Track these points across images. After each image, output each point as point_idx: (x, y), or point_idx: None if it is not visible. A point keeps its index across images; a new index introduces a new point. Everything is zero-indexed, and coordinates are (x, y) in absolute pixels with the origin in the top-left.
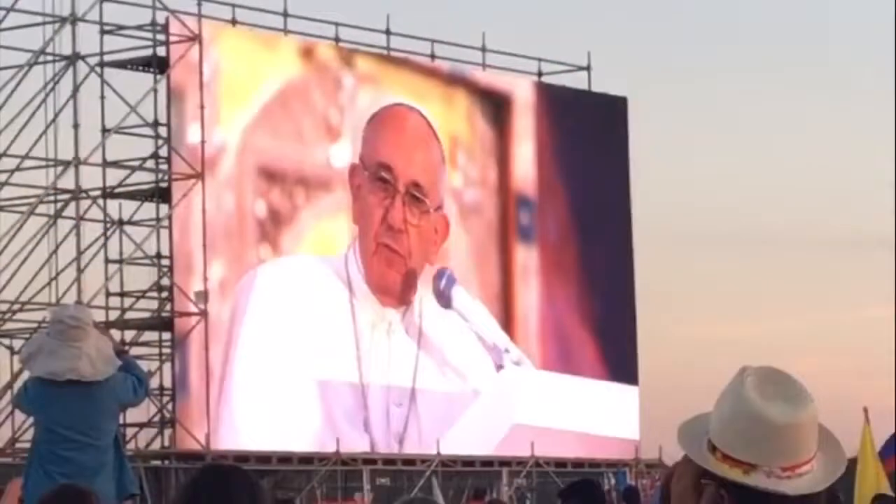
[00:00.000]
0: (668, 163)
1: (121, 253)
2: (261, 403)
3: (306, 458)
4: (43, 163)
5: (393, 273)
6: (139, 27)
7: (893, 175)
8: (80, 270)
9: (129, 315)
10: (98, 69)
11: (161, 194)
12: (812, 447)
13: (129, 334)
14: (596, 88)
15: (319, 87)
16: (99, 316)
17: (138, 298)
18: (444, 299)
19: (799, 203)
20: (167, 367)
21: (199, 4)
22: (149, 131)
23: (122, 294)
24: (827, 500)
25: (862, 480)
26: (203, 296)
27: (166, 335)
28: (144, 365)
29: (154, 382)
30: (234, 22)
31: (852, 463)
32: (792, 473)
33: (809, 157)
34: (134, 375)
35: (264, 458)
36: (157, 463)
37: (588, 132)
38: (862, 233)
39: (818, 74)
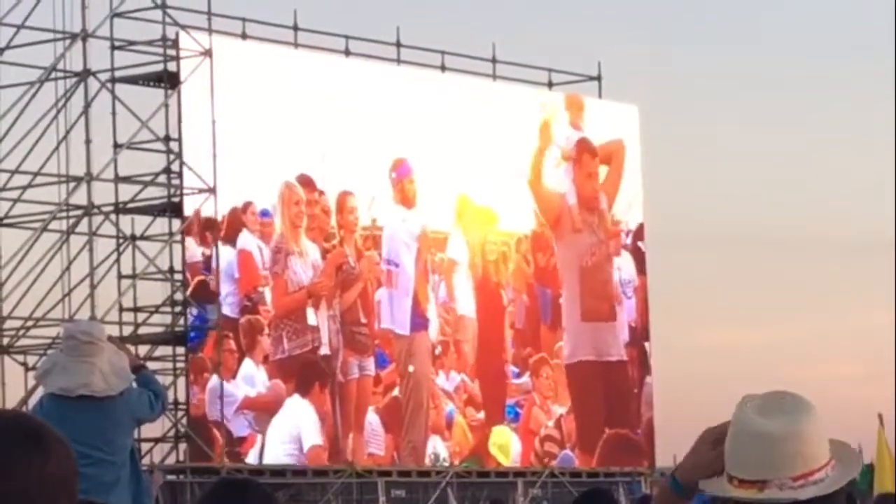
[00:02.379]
0: (677, 171)
1: (134, 268)
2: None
3: (321, 471)
4: (55, 179)
5: None
6: (150, 43)
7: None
8: (93, 286)
9: (143, 330)
10: (109, 85)
11: (173, 209)
12: (822, 455)
13: (143, 349)
14: (606, 98)
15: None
16: (112, 331)
17: (151, 313)
18: None
19: (808, 207)
20: (181, 381)
21: (210, 19)
22: (160, 146)
23: (136, 309)
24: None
25: (879, 484)
26: (216, 312)
27: (180, 349)
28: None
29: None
30: (244, 36)
31: (869, 467)
32: (805, 482)
33: (819, 161)
34: (151, 391)
35: (279, 471)
36: (172, 477)
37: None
38: (874, 236)
39: (823, 81)
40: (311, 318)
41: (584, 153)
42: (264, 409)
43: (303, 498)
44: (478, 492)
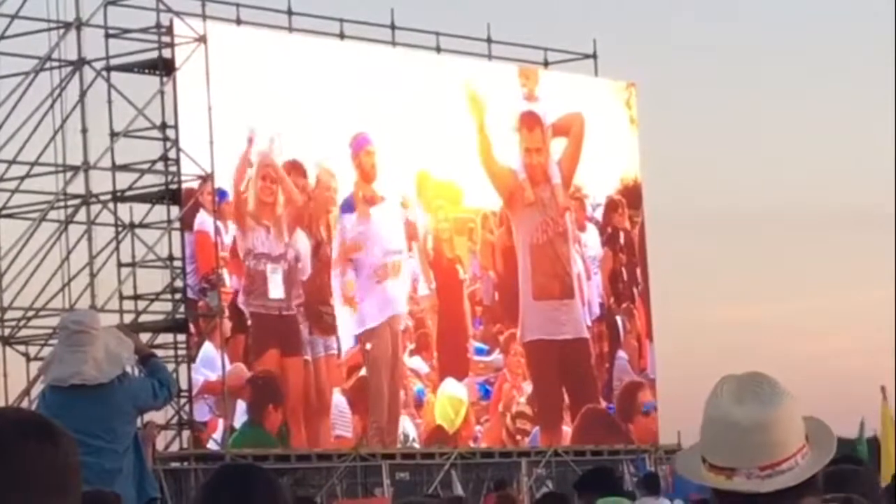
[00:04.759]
0: (674, 147)
1: (133, 256)
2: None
3: (325, 455)
4: (52, 168)
5: None
6: (144, 30)
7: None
8: (92, 275)
9: (144, 318)
10: (104, 73)
11: (171, 196)
12: (793, 443)
13: (144, 337)
14: (602, 76)
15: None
16: (113, 320)
17: (152, 301)
18: None
19: (809, 182)
20: (183, 368)
21: (204, 5)
22: (157, 134)
23: (136, 297)
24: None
25: (886, 458)
26: (217, 298)
27: (181, 337)
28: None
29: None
30: (238, 22)
31: (873, 440)
32: (772, 471)
33: (818, 136)
34: (156, 379)
35: (283, 456)
36: (176, 465)
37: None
38: (876, 210)
39: (822, 54)
40: (276, 292)
41: (529, 127)
42: (224, 393)
43: (307, 482)
44: (482, 472)
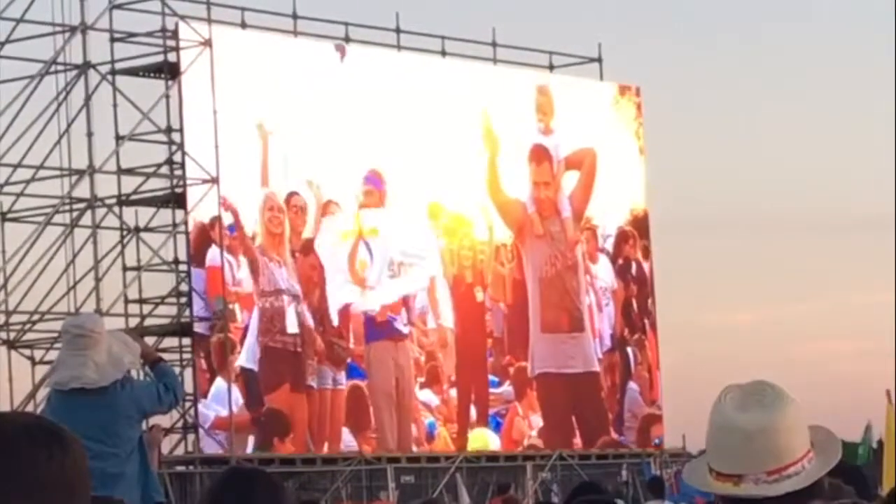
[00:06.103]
0: (678, 151)
1: (138, 260)
2: None
3: (330, 459)
4: (58, 172)
5: None
6: (149, 34)
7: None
8: (98, 279)
9: (149, 322)
10: (110, 77)
11: (176, 200)
12: (799, 448)
13: (149, 341)
14: (607, 80)
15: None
16: (118, 323)
17: (157, 305)
18: None
19: (817, 188)
20: (188, 372)
21: (209, 9)
22: (162, 137)
23: (141, 301)
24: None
25: (888, 462)
26: (223, 303)
27: (186, 340)
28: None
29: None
30: (243, 25)
31: (878, 444)
32: (780, 476)
33: (819, 139)
34: (162, 383)
35: (288, 460)
36: (181, 468)
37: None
38: (877, 213)
39: (824, 61)
40: (292, 326)
41: (538, 161)
42: (236, 429)
43: (313, 486)
44: (487, 476)
